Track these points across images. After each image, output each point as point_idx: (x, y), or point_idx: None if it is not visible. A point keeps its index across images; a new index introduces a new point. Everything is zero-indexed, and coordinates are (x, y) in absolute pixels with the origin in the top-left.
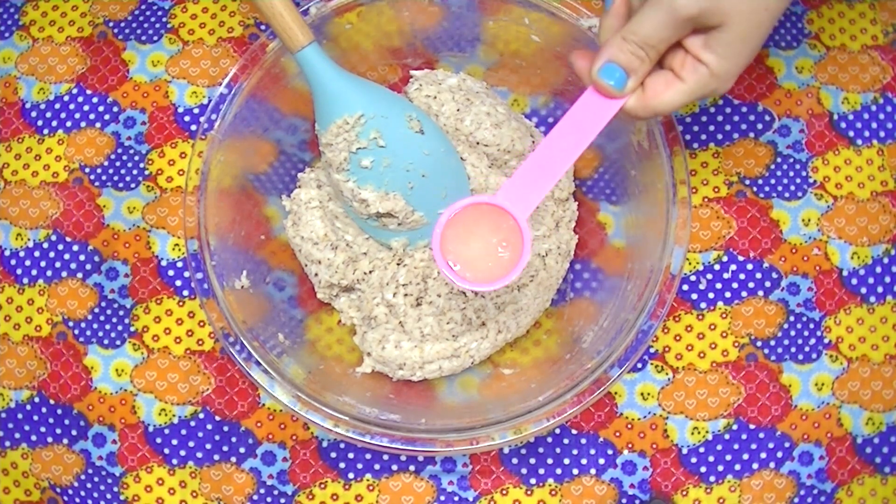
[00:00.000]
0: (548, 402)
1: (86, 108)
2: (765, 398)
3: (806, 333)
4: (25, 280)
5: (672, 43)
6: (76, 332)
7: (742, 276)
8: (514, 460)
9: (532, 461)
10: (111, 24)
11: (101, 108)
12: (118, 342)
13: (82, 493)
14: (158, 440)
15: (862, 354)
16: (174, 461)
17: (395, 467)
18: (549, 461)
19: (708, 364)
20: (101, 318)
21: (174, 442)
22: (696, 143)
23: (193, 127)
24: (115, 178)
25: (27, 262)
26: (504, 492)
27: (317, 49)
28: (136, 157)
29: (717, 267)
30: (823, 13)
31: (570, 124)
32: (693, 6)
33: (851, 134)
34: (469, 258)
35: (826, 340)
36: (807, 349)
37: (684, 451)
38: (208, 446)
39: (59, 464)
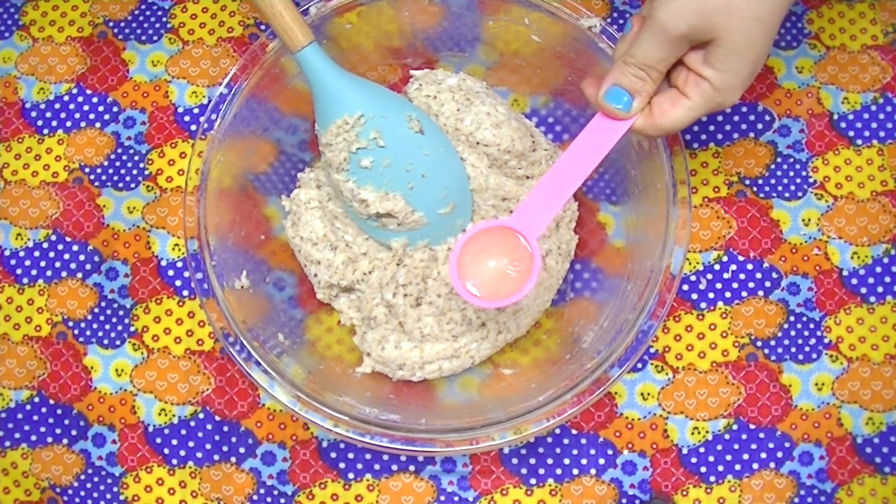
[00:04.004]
0: (548, 402)
1: (86, 108)
2: (765, 398)
3: (806, 333)
4: (25, 280)
5: (672, 62)
6: (76, 332)
7: (742, 276)
8: (514, 460)
9: (532, 461)
10: (111, 24)
11: (100, 108)
12: (118, 342)
13: (82, 493)
14: (158, 440)
15: (862, 354)
16: (174, 461)
17: (395, 467)
18: (549, 461)
19: (708, 364)
20: (101, 318)
21: (174, 442)
22: (696, 143)
23: (193, 127)
24: (115, 178)
25: (27, 262)
26: (504, 492)
27: (317, 49)
28: (136, 157)
29: (717, 267)
30: (823, 13)
31: (581, 147)
32: (682, 25)
33: (851, 134)
34: (481, 276)
35: (826, 340)
36: (807, 349)
37: (684, 451)
38: (208, 446)
39: (59, 464)
